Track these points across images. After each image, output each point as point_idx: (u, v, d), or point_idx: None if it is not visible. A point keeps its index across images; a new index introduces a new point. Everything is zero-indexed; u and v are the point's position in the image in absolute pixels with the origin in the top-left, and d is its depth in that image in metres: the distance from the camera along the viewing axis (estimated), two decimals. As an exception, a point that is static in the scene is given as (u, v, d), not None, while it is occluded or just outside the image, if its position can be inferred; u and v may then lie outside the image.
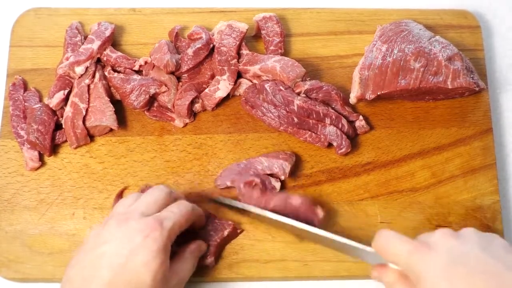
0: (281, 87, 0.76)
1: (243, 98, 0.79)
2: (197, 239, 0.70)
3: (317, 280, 0.74)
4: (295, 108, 0.75)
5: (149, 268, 0.60)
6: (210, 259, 0.71)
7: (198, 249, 0.70)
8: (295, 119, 0.76)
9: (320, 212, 0.71)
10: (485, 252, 0.56)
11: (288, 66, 0.76)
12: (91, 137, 0.77)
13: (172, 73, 0.79)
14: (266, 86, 0.76)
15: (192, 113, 0.78)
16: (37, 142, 0.74)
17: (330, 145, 0.77)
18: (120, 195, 0.74)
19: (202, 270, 0.72)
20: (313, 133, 0.76)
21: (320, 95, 0.77)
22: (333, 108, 0.77)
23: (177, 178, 0.76)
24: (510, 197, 0.79)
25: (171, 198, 0.68)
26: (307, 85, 0.76)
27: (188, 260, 0.67)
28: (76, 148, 0.77)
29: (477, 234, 0.59)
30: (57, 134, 0.76)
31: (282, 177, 0.74)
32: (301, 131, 0.76)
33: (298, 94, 0.76)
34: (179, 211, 0.66)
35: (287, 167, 0.74)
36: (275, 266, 0.73)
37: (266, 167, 0.74)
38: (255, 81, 0.79)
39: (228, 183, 0.74)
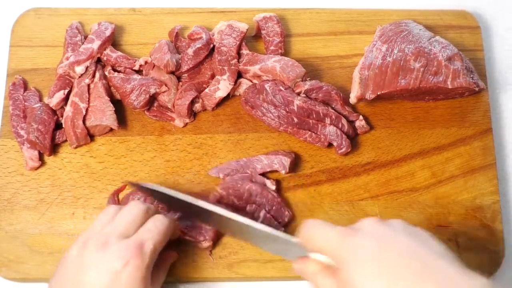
0: (281, 87, 0.76)
1: (243, 98, 0.79)
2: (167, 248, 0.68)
3: (317, 280, 0.74)
4: (295, 108, 0.75)
5: None
6: (206, 244, 0.71)
7: (170, 259, 0.70)
8: (295, 119, 0.76)
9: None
10: (412, 239, 0.56)
11: (288, 66, 0.77)
12: (91, 136, 0.77)
13: (172, 73, 0.79)
14: (266, 86, 0.76)
15: (192, 113, 0.78)
16: (37, 141, 0.74)
17: (330, 145, 0.77)
18: (115, 194, 0.74)
19: (202, 270, 0.72)
20: (313, 133, 0.76)
21: (320, 95, 0.77)
22: (333, 108, 0.77)
23: (177, 178, 0.76)
24: (510, 197, 0.79)
25: (149, 215, 0.66)
26: (307, 85, 0.76)
27: (162, 273, 0.68)
28: (76, 147, 0.76)
29: (404, 223, 0.59)
30: (57, 133, 0.76)
31: (283, 172, 0.74)
32: (301, 131, 0.76)
33: (298, 94, 0.76)
34: (157, 230, 0.63)
35: (287, 161, 0.74)
36: (275, 266, 0.73)
37: (266, 165, 0.74)
38: (255, 81, 0.79)
39: (221, 176, 0.74)
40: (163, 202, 0.72)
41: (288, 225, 0.74)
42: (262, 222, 0.72)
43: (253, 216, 0.72)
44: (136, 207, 0.65)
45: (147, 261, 0.61)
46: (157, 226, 0.64)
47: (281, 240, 0.64)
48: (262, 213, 0.73)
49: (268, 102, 0.77)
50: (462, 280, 0.53)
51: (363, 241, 0.56)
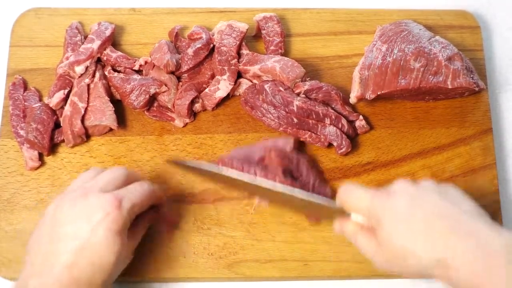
0: (280, 88, 0.76)
1: (243, 99, 0.79)
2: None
3: (317, 280, 0.74)
4: (295, 108, 0.75)
5: (111, 249, 0.60)
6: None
7: (152, 218, 0.70)
8: (295, 120, 0.76)
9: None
10: (442, 198, 0.59)
11: (287, 66, 0.76)
12: (90, 136, 0.77)
13: (172, 73, 0.79)
14: (266, 86, 0.76)
15: (192, 113, 0.78)
16: (36, 141, 0.74)
17: (330, 145, 0.77)
18: None
19: (202, 270, 0.72)
20: (313, 133, 0.76)
21: (320, 95, 0.77)
22: (333, 108, 0.77)
23: (179, 179, 0.76)
24: (510, 197, 0.79)
25: (130, 180, 0.67)
26: (307, 85, 0.76)
27: (141, 231, 0.68)
28: (73, 147, 0.76)
29: (434, 184, 0.62)
30: (56, 133, 0.76)
31: (288, 149, 0.74)
32: (301, 131, 0.76)
33: (298, 94, 0.76)
34: (138, 192, 0.65)
35: (291, 141, 0.75)
36: (275, 266, 0.73)
37: (272, 146, 0.75)
38: (255, 81, 0.79)
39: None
40: (206, 178, 0.73)
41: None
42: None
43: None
44: (119, 169, 0.67)
45: (125, 216, 0.62)
46: (136, 189, 0.65)
47: (325, 207, 0.66)
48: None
49: (267, 102, 0.77)
50: (493, 237, 0.55)
51: (395, 201, 0.60)
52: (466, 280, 0.55)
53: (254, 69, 0.78)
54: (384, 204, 0.60)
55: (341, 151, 0.76)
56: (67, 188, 0.67)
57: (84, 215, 0.61)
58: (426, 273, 0.58)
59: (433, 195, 0.60)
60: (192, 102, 0.78)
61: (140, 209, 0.65)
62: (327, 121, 0.76)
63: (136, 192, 0.65)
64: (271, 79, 0.78)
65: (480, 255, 0.54)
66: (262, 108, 0.77)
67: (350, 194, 0.64)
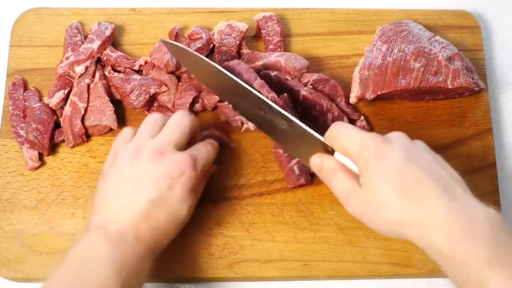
0: (287, 77, 0.76)
1: None
2: None
3: (317, 280, 0.74)
4: (300, 98, 0.75)
5: (185, 204, 0.65)
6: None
7: (210, 172, 0.73)
8: (299, 108, 0.76)
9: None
10: (434, 159, 0.61)
11: (291, 58, 0.77)
12: (90, 136, 0.77)
13: (172, 73, 0.79)
14: (272, 75, 0.76)
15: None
16: (36, 141, 0.74)
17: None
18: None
19: (202, 270, 0.72)
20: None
21: (326, 87, 0.77)
22: (337, 105, 0.77)
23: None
24: (510, 197, 0.79)
25: (194, 126, 0.69)
26: (315, 76, 0.76)
27: (202, 187, 0.70)
28: (73, 147, 0.76)
29: (426, 145, 0.63)
30: (56, 133, 0.76)
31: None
32: (304, 120, 0.76)
33: (305, 85, 0.76)
34: (208, 152, 0.69)
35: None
36: (275, 266, 0.73)
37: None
38: (255, 81, 0.79)
39: None
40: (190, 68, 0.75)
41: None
42: (298, 163, 0.73)
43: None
44: (183, 117, 0.69)
45: (199, 174, 0.66)
46: (207, 148, 0.69)
47: (308, 136, 0.66)
48: None
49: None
50: (478, 208, 0.56)
51: (390, 148, 0.60)
52: (443, 239, 0.55)
53: (256, 66, 0.78)
54: (378, 146, 0.60)
55: (341, 150, 0.76)
56: (133, 140, 0.68)
57: (163, 173, 0.64)
58: (397, 229, 0.58)
59: (427, 155, 0.61)
60: (192, 102, 0.78)
61: (208, 168, 0.69)
62: (329, 116, 0.76)
63: (207, 152, 0.69)
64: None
65: (465, 218, 0.55)
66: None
67: (342, 131, 0.63)
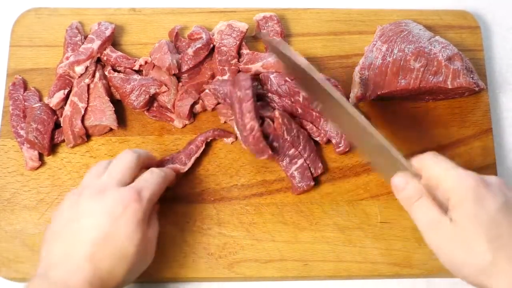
0: (286, 78, 0.76)
1: None
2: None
3: (317, 280, 0.74)
4: (300, 99, 0.75)
5: (132, 240, 0.61)
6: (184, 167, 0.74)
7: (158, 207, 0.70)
8: (299, 110, 0.76)
9: None
10: None
11: None
12: (90, 136, 0.77)
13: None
14: (271, 76, 0.76)
15: (192, 115, 0.78)
16: (36, 141, 0.74)
17: (329, 141, 0.77)
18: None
19: (202, 270, 0.72)
20: (314, 126, 0.76)
21: None
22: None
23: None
24: (510, 197, 0.79)
25: (143, 162, 0.68)
26: None
27: (155, 223, 0.67)
28: (73, 147, 0.76)
29: None
30: (56, 133, 0.76)
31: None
32: (304, 121, 0.76)
33: None
34: (153, 181, 0.66)
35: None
36: (275, 266, 0.73)
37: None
38: (255, 80, 0.79)
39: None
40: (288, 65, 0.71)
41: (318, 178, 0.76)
42: (298, 169, 0.74)
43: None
44: (128, 154, 0.67)
45: (145, 206, 0.63)
46: (154, 178, 0.66)
47: (393, 156, 0.63)
48: (300, 160, 0.74)
49: (272, 92, 0.76)
50: None
51: (491, 195, 0.58)
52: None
53: (256, 66, 0.78)
54: (478, 189, 0.58)
55: (339, 149, 0.76)
56: (81, 184, 0.66)
57: (105, 210, 0.61)
58: (480, 276, 0.57)
59: None
60: (193, 103, 0.77)
61: (157, 197, 0.66)
62: (330, 116, 0.76)
63: (153, 180, 0.66)
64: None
65: None
66: (266, 98, 0.76)
67: (439, 163, 0.61)
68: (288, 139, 0.74)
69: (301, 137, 0.75)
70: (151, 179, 0.66)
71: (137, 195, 0.63)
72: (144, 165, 0.69)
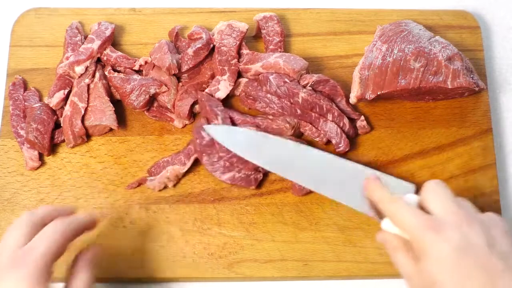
0: (286, 79, 0.76)
1: (243, 93, 0.79)
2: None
3: (317, 280, 0.74)
4: (300, 100, 0.75)
5: None
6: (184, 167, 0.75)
7: (93, 256, 0.63)
8: (298, 111, 0.76)
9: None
10: (492, 250, 0.57)
11: (291, 59, 0.77)
12: (90, 136, 0.77)
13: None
14: (271, 77, 0.76)
15: (192, 115, 0.78)
16: (36, 141, 0.74)
17: (328, 142, 0.77)
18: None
19: (202, 270, 0.72)
20: (313, 127, 0.76)
21: (326, 88, 0.77)
22: (337, 105, 0.77)
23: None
24: (510, 197, 0.79)
25: (37, 220, 0.62)
26: (315, 77, 0.76)
27: (84, 273, 0.61)
28: (73, 147, 0.76)
29: (483, 224, 0.60)
30: (56, 133, 0.76)
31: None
32: (303, 122, 0.76)
33: (304, 86, 0.76)
34: (48, 236, 0.59)
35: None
36: (274, 266, 0.73)
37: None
38: (255, 81, 0.79)
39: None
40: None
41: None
42: None
43: None
44: (24, 215, 0.62)
45: (32, 269, 0.57)
46: (49, 234, 0.60)
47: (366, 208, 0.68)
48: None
49: (271, 93, 0.76)
50: None
51: (446, 241, 0.57)
52: None
53: (256, 67, 0.78)
54: (435, 238, 0.58)
55: (339, 149, 0.76)
56: None
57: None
58: None
59: (482, 243, 0.58)
60: (193, 104, 0.78)
61: (59, 251, 0.60)
62: (330, 117, 0.76)
63: (46, 236, 0.60)
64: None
65: None
66: (265, 99, 0.76)
67: (398, 212, 0.61)
68: None
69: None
70: (46, 235, 0.60)
71: (22, 260, 0.57)
72: (49, 220, 0.62)
